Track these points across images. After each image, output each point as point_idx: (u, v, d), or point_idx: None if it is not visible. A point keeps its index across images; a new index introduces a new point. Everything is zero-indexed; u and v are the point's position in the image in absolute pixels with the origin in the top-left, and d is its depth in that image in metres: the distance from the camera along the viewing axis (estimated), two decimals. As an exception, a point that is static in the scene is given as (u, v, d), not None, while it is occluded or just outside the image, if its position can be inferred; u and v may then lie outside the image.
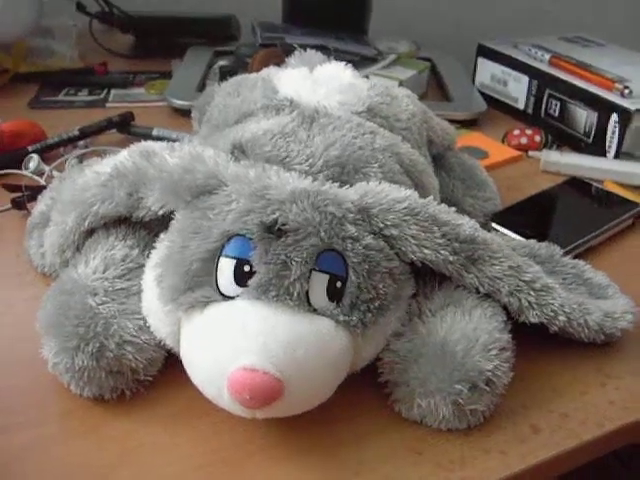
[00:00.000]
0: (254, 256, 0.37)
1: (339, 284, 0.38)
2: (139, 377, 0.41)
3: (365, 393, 0.43)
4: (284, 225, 0.38)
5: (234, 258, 0.38)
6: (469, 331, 0.41)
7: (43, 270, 0.52)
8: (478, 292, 0.43)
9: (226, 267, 0.38)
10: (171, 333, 0.40)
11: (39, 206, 0.54)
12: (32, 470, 0.38)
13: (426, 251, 0.41)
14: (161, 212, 0.42)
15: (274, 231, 0.37)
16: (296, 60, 0.62)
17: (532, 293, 0.43)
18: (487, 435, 0.41)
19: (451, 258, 0.42)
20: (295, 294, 0.37)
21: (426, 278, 0.45)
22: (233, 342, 0.36)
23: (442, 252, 0.41)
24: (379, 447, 0.40)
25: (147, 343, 0.41)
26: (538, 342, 0.47)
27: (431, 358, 0.40)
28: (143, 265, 0.44)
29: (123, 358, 0.40)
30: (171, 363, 0.43)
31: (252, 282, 0.37)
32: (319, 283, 0.38)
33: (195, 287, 0.38)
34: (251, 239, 0.37)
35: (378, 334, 0.41)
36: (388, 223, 0.40)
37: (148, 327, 0.41)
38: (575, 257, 0.52)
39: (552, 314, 0.44)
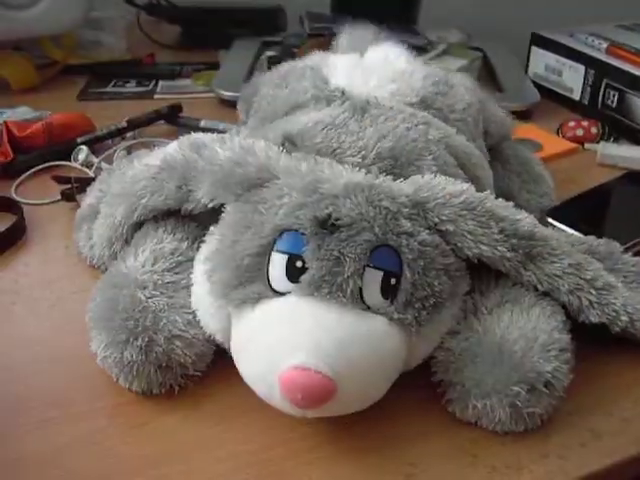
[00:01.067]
0: (307, 252, 0.36)
1: (393, 281, 0.37)
2: (188, 372, 0.41)
3: (418, 392, 0.42)
4: (337, 220, 0.36)
5: (286, 253, 0.37)
6: (527, 330, 0.39)
7: (92, 262, 0.52)
8: (536, 290, 0.42)
9: (278, 262, 0.37)
10: (221, 329, 0.39)
11: (88, 199, 0.54)
12: (80, 463, 0.37)
13: (483, 247, 0.40)
14: (211, 205, 0.41)
15: (327, 226, 0.36)
16: (346, 40, 0.61)
17: (593, 292, 0.42)
18: (545, 439, 0.39)
19: (509, 255, 0.40)
20: (348, 291, 0.36)
21: (482, 274, 0.43)
22: (285, 340, 0.35)
23: (499, 248, 0.40)
24: (432, 448, 0.39)
25: (196, 338, 0.40)
26: (597, 342, 0.45)
27: (488, 358, 0.39)
28: (192, 258, 0.43)
29: (172, 353, 0.39)
30: (220, 358, 0.42)
31: (304, 278, 0.36)
32: (373, 280, 0.37)
33: (246, 282, 0.37)
34: (304, 234, 0.37)
35: (432, 332, 0.39)
36: (444, 218, 0.39)
37: (197, 321, 0.41)
38: (635, 254, 0.50)
39: (614, 314, 0.42)
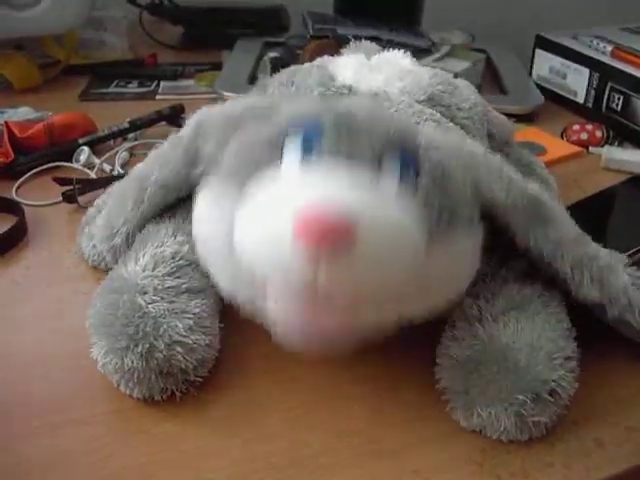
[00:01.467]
0: (325, 140, 0.35)
1: (412, 180, 0.36)
2: (189, 378, 0.40)
3: (422, 399, 0.41)
4: (357, 117, 0.36)
5: (303, 142, 0.36)
6: (533, 338, 0.39)
7: (93, 261, 0.51)
8: (537, 270, 0.42)
9: (294, 150, 0.36)
10: (228, 232, 0.36)
11: (97, 200, 0.54)
12: (79, 469, 0.37)
13: (496, 191, 0.40)
14: (219, 154, 0.40)
15: (346, 120, 0.36)
16: (351, 51, 0.61)
17: (595, 268, 0.41)
18: (549, 448, 0.39)
19: (519, 204, 0.40)
20: (367, 165, 0.35)
21: (487, 280, 0.43)
22: (298, 189, 0.34)
23: (511, 195, 0.40)
24: (436, 456, 0.39)
25: (197, 343, 0.40)
26: (602, 350, 0.45)
27: (492, 366, 0.38)
28: (193, 262, 0.43)
29: (173, 359, 0.39)
30: (221, 364, 0.42)
31: (319, 149, 0.35)
32: (392, 172, 0.35)
33: (261, 167, 0.36)
34: (322, 127, 0.36)
35: (447, 255, 0.37)
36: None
37: (198, 327, 0.40)
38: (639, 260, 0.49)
39: (614, 294, 0.42)
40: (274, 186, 0.35)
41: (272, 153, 0.36)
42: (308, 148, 0.35)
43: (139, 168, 0.47)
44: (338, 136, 0.35)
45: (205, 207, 0.39)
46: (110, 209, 0.48)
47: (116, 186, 0.50)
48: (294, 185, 0.34)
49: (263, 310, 0.36)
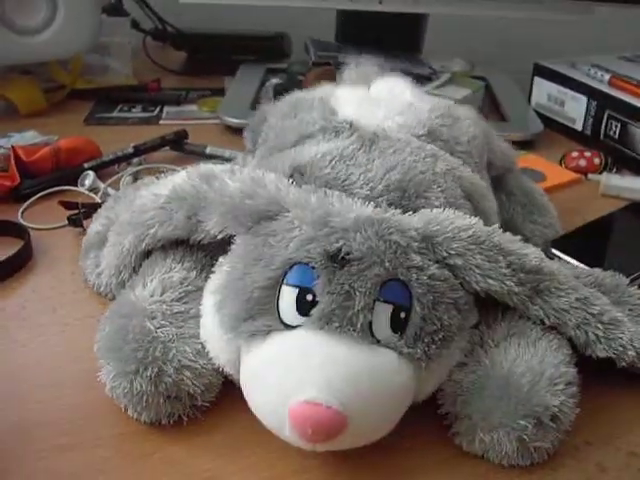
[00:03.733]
0: (317, 285, 0.36)
1: (403, 315, 0.37)
2: (196, 403, 0.41)
3: (424, 424, 0.42)
4: (348, 254, 0.37)
5: (297, 287, 0.37)
6: (534, 364, 0.39)
7: (99, 290, 0.52)
8: (543, 324, 0.42)
9: (288, 296, 0.37)
10: (231, 360, 0.39)
11: (94, 226, 0.55)
12: (86, 493, 0.37)
13: (491, 281, 0.40)
14: (220, 236, 0.42)
15: (338, 260, 0.37)
16: (351, 74, 0.61)
17: (600, 326, 0.42)
18: (551, 473, 0.39)
19: (516, 289, 0.40)
20: (358, 325, 0.36)
21: (488, 307, 0.43)
22: (295, 374, 0.35)
23: (507, 283, 0.40)
24: (438, 481, 0.39)
25: (205, 368, 0.40)
26: (603, 375, 0.45)
27: (495, 391, 0.39)
28: (201, 288, 0.43)
29: (181, 383, 0.39)
30: (228, 389, 0.42)
31: (315, 312, 0.36)
32: (383, 314, 0.37)
33: (256, 315, 0.37)
34: (314, 268, 0.37)
35: (441, 366, 0.39)
36: (452, 252, 0.39)
37: (206, 352, 0.41)
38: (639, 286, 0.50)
39: (621, 349, 0.42)
40: (274, 349, 0.37)
41: (268, 298, 0.38)
42: (302, 297, 0.37)
43: (140, 208, 0.46)
44: (329, 284, 0.36)
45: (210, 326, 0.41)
46: (118, 234, 0.48)
47: (117, 224, 0.49)
48: (288, 370, 0.36)
49: None
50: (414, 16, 0.95)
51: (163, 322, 0.41)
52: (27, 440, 0.40)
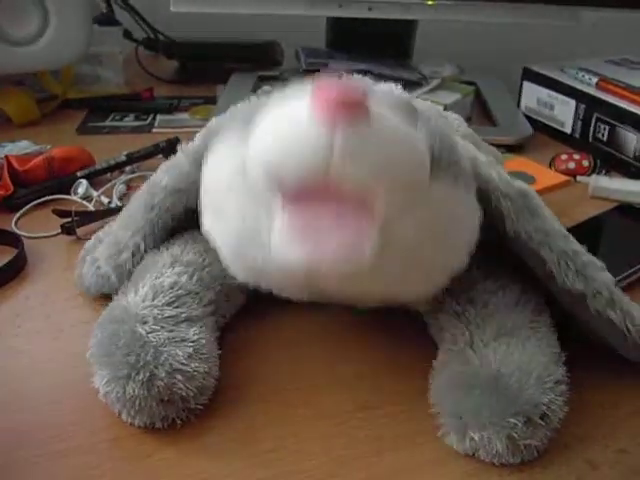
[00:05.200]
0: None
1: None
2: (189, 405, 0.41)
3: (414, 424, 0.42)
4: None
5: None
6: (523, 363, 0.40)
7: (97, 288, 0.52)
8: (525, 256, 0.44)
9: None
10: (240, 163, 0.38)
11: (96, 234, 0.55)
12: (82, 498, 0.38)
13: (492, 173, 0.42)
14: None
15: None
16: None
17: (579, 262, 0.43)
18: (541, 471, 0.40)
19: (511, 192, 0.42)
20: None
21: (478, 307, 0.44)
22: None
23: (503, 180, 0.42)
24: (430, 480, 0.39)
25: (197, 371, 0.40)
26: (592, 374, 0.46)
27: (484, 390, 0.39)
28: (191, 292, 0.44)
29: (174, 387, 0.39)
30: (221, 392, 0.42)
31: None
32: None
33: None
34: None
35: (447, 200, 0.39)
36: None
37: (197, 354, 0.41)
38: (627, 286, 0.50)
39: (598, 288, 0.43)
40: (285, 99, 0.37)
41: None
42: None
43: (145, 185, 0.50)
44: None
45: (212, 158, 0.41)
46: (117, 227, 0.50)
47: (123, 210, 0.52)
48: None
49: (267, 251, 0.37)
50: (404, 22, 0.96)
51: (154, 326, 0.41)
52: (21, 446, 0.40)
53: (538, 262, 0.44)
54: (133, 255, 0.49)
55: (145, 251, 0.49)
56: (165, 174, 0.48)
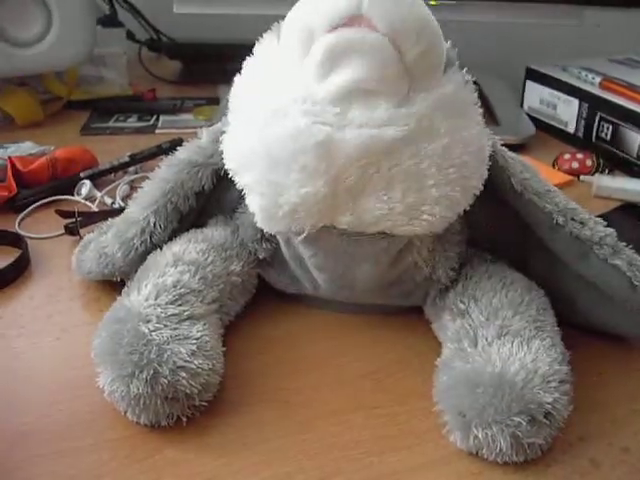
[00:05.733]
0: None
1: None
2: (194, 402, 0.41)
3: (418, 423, 0.42)
4: None
5: None
6: (528, 362, 0.40)
7: (103, 271, 0.52)
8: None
9: None
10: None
11: (99, 227, 0.56)
12: (86, 497, 0.38)
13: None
14: None
15: None
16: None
17: (581, 214, 0.45)
18: (545, 470, 0.40)
19: (513, 155, 0.47)
20: None
21: (482, 306, 0.44)
22: None
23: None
24: (432, 479, 0.39)
25: (201, 368, 0.40)
26: (596, 372, 0.46)
27: (489, 388, 0.39)
28: (194, 290, 0.45)
29: (177, 384, 0.39)
30: (225, 390, 0.43)
31: None
32: None
33: None
34: None
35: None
36: None
37: (201, 352, 0.41)
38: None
39: (602, 237, 0.45)
40: None
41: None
42: None
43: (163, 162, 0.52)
44: None
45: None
46: (129, 207, 0.51)
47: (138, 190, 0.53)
48: None
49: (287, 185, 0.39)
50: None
51: (157, 325, 0.41)
52: (26, 446, 0.40)
53: (543, 215, 0.45)
54: (142, 231, 0.49)
55: (154, 227, 0.49)
56: (183, 149, 0.50)
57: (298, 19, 0.40)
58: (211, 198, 0.51)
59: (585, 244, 0.45)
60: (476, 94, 0.43)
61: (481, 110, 0.43)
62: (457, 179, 0.40)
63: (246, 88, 0.43)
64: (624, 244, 0.45)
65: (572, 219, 0.45)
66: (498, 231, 0.49)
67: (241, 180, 0.42)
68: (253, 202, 0.41)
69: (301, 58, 0.40)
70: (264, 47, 0.43)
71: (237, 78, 0.44)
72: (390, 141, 0.38)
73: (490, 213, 0.47)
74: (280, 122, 0.39)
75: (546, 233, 0.46)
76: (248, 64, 0.44)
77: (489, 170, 0.43)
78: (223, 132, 0.44)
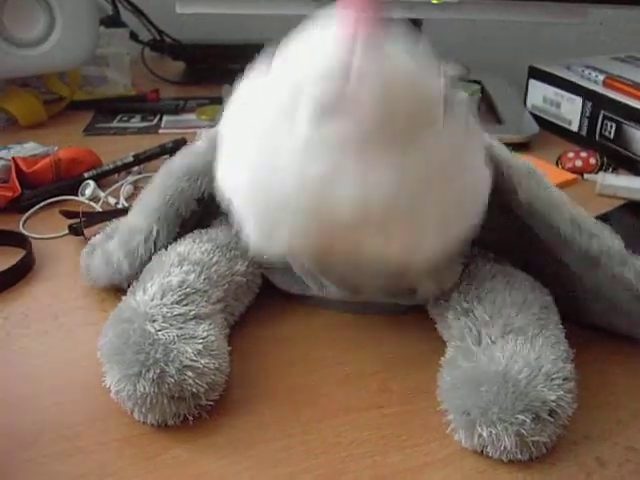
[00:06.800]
0: None
1: None
2: (201, 402, 0.41)
3: (423, 421, 0.42)
4: None
5: None
6: (532, 360, 0.40)
7: (109, 276, 0.52)
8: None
9: None
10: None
11: (104, 229, 0.56)
12: (92, 496, 0.38)
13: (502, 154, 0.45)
14: None
15: None
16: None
17: (589, 224, 0.45)
18: (550, 468, 0.40)
19: (519, 163, 0.46)
20: None
21: (485, 305, 0.44)
22: None
23: (510, 155, 0.46)
24: (437, 478, 0.39)
25: (207, 367, 0.40)
26: (600, 371, 0.46)
27: (493, 386, 0.39)
28: (199, 290, 0.45)
29: (184, 383, 0.39)
30: (230, 390, 0.43)
31: None
32: None
33: None
34: None
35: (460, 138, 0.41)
36: None
37: (207, 351, 0.41)
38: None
39: (610, 249, 0.44)
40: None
41: None
42: None
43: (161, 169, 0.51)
44: None
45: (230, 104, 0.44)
46: (131, 215, 0.51)
47: (137, 200, 0.53)
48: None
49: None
50: (408, 21, 0.96)
51: (164, 324, 0.41)
52: (31, 446, 0.40)
53: (550, 229, 0.45)
54: (146, 240, 0.49)
55: (157, 235, 0.49)
56: (181, 155, 0.50)
57: (292, 78, 0.39)
58: (213, 201, 0.51)
59: (594, 256, 0.44)
60: (480, 135, 0.43)
61: (484, 151, 0.43)
62: (455, 217, 0.40)
63: (236, 123, 0.43)
64: (631, 251, 0.45)
65: (579, 228, 0.44)
66: (503, 236, 0.49)
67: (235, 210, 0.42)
68: (246, 229, 0.41)
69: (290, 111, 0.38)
70: (254, 81, 0.43)
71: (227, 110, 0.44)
72: (385, 200, 0.37)
73: (497, 220, 0.46)
74: (274, 163, 0.38)
75: (554, 245, 0.45)
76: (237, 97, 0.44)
77: (494, 180, 0.42)
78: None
